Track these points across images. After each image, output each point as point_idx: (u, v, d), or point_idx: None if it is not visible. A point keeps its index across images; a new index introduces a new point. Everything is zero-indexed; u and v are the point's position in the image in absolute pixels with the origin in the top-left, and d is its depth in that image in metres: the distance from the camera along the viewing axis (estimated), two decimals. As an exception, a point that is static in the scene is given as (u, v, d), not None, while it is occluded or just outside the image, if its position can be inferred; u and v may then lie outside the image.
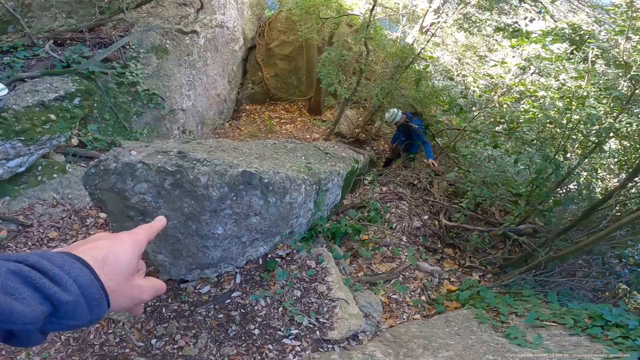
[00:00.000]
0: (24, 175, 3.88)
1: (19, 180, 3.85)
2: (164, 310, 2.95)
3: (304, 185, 3.02)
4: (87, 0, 5.29)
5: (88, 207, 4.06)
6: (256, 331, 2.77)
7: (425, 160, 5.47)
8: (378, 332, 3.02)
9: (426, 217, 4.61)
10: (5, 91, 3.62)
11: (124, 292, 0.49)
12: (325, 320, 2.87)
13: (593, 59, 3.66)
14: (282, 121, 8.81)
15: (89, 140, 4.64)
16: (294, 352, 2.67)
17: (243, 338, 2.74)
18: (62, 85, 4.05)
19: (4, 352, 2.58)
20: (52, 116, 3.88)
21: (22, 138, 3.65)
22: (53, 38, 4.82)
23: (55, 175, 4.06)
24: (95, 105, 4.69)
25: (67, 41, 4.91)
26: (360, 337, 2.91)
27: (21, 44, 4.58)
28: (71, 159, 4.37)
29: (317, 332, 2.80)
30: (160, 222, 0.60)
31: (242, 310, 2.87)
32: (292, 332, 2.77)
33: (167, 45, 5.68)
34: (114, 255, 0.48)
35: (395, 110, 5.52)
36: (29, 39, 4.61)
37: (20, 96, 3.78)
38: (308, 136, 8.09)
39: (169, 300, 3.02)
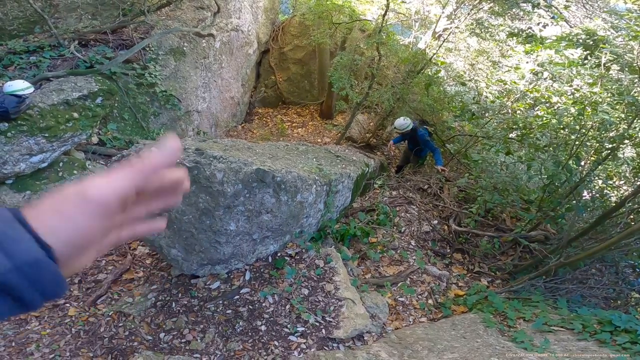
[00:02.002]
0: (45, 171, 4.04)
1: (40, 175, 4.01)
2: (173, 305, 3.04)
3: (314, 186, 3.08)
4: (111, 2, 5.50)
5: (105, 203, 4.20)
6: (263, 327, 2.82)
7: (436, 167, 5.45)
8: (383, 334, 3.04)
9: (436, 222, 4.60)
10: (32, 89, 3.80)
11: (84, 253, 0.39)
12: (331, 319, 2.91)
13: (608, 64, 3.63)
14: (293, 125, 8.91)
15: (108, 139, 4.81)
16: (299, 349, 2.72)
17: (250, 334, 2.79)
18: (86, 85, 4.22)
19: (13, 344, 2.68)
20: (76, 114, 4.04)
21: (46, 135, 3.81)
22: (78, 39, 5.02)
23: (75, 172, 4.22)
24: (116, 104, 4.86)
25: (90, 42, 5.12)
26: (365, 338, 2.93)
27: (47, 44, 4.79)
28: (91, 157, 4.53)
29: (323, 331, 2.83)
30: (168, 149, 0.42)
31: (250, 307, 2.93)
32: (298, 329, 2.82)
33: (184, 48, 5.85)
34: (72, 221, 0.37)
35: (407, 119, 5.49)
36: (55, 39, 4.82)
37: (46, 94, 3.96)
38: (319, 140, 8.16)
39: (179, 295, 3.10)
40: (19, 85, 3.65)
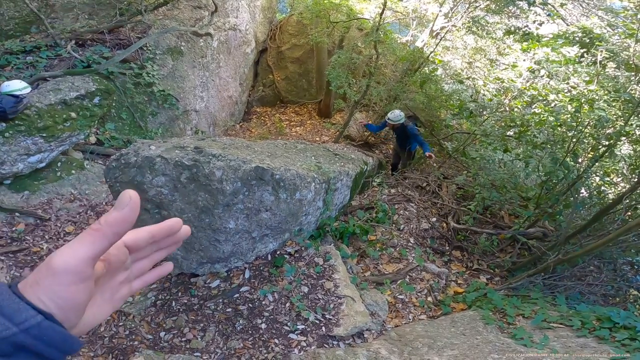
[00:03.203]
0: (43, 171, 4.03)
1: (38, 175, 4.00)
2: (173, 303, 3.04)
3: (313, 183, 3.08)
4: (108, 2, 5.48)
5: (104, 203, 4.19)
6: (263, 325, 2.83)
7: (424, 154, 5.39)
8: (383, 331, 3.05)
9: (434, 219, 4.62)
10: (29, 89, 3.78)
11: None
12: (331, 317, 2.91)
13: (604, 62, 3.65)
14: (292, 124, 8.91)
15: (106, 139, 4.80)
16: (299, 347, 2.72)
17: (250, 332, 2.80)
18: (83, 85, 4.21)
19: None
20: (73, 114, 4.03)
21: (44, 135, 3.80)
22: (75, 38, 5.01)
23: (73, 172, 4.21)
24: (114, 104, 4.84)
25: (87, 42, 5.10)
26: (365, 335, 2.94)
27: (44, 44, 4.77)
28: (89, 156, 4.52)
29: (323, 328, 2.84)
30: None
31: (250, 305, 2.94)
32: (298, 327, 2.82)
33: (182, 47, 5.84)
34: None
35: (400, 112, 5.45)
36: (51, 39, 4.80)
37: (43, 94, 3.95)
38: (317, 139, 8.16)
39: (179, 294, 3.10)
40: (16, 86, 3.64)
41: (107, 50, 5.03)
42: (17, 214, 3.65)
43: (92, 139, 4.70)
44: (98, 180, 4.30)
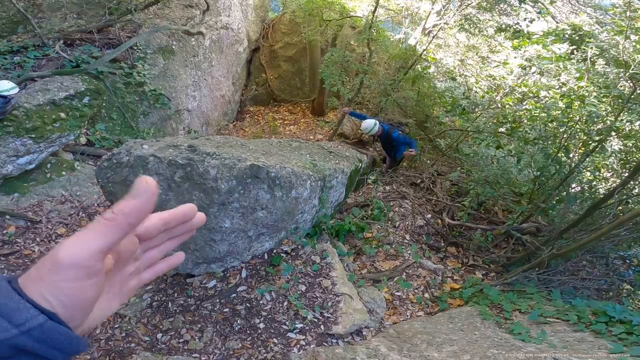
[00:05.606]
0: (33, 173, 3.95)
1: (28, 177, 3.92)
2: (170, 304, 3.00)
3: (309, 181, 3.07)
4: (96, 1, 5.39)
5: (96, 204, 4.12)
6: (261, 325, 2.81)
7: (410, 152, 5.27)
8: (382, 328, 3.05)
9: (429, 215, 4.64)
10: (17, 89, 3.70)
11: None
12: (329, 315, 2.91)
13: (594, 58, 3.70)
14: (285, 122, 8.88)
15: (96, 139, 4.72)
16: (298, 346, 2.71)
17: (248, 332, 2.78)
18: (73, 85, 4.13)
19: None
20: (62, 114, 3.96)
21: (33, 136, 3.72)
22: (63, 38, 4.91)
23: (64, 173, 4.13)
24: (104, 104, 4.77)
25: (76, 41, 5.01)
26: (364, 333, 2.94)
27: (31, 44, 4.68)
28: (79, 157, 4.44)
29: (322, 327, 2.83)
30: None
31: (248, 305, 2.92)
32: (297, 326, 2.81)
33: (173, 47, 5.77)
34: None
35: (372, 121, 5.26)
36: (39, 39, 4.71)
37: (31, 94, 3.87)
38: (311, 137, 8.15)
39: (175, 294, 3.07)
40: (4, 86, 3.56)
41: (97, 49, 4.95)
42: (7, 216, 3.57)
43: (83, 140, 4.62)
44: (89, 181, 4.22)
